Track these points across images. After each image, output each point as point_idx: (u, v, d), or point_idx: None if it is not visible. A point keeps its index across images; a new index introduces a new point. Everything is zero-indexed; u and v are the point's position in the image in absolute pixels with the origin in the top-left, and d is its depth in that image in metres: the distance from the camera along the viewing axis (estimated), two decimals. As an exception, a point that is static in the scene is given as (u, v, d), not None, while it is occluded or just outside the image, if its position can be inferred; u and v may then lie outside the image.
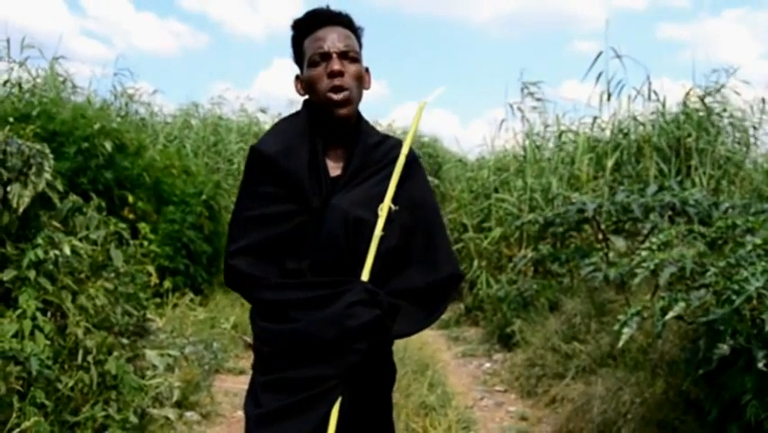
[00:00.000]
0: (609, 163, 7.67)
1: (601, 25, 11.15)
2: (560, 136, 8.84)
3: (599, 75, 7.98)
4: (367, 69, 1.78)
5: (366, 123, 1.80)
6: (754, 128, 8.22)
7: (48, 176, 3.32)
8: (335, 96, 1.67)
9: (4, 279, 3.03)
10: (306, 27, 1.73)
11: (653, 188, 5.65)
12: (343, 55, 1.70)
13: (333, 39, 1.69)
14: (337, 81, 1.67)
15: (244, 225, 1.70)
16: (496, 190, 8.48)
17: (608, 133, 8.30)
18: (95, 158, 6.24)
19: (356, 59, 1.73)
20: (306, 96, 1.76)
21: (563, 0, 18.50)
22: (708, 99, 7.96)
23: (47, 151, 3.41)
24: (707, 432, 3.16)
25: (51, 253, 3.22)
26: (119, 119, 8.76)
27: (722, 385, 3.02)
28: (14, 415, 2.69)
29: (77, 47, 19.84)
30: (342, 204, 1.65)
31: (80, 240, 3.67)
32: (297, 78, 1.78)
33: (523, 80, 8.68)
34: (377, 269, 1.61)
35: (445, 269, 1.74)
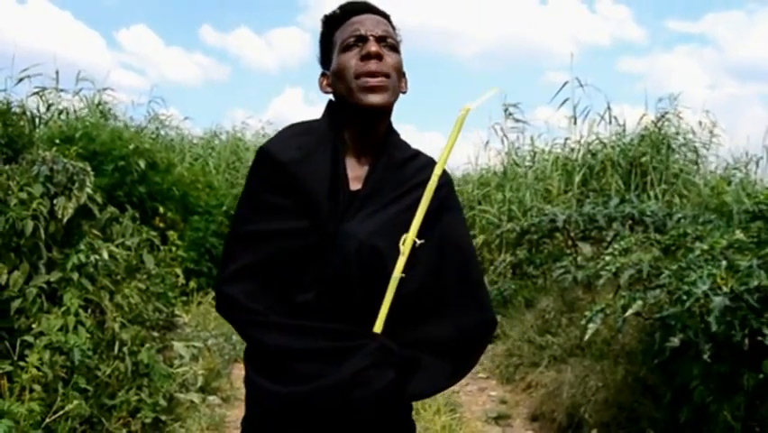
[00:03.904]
0: (577, 179, 7.72)
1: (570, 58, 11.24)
2: (534, 156, 8.88)
3: (564, 101, 8.21)
4: (404, 74, 1.30)
5: (397, 134, 1.31)
6: (706, 148, 8.29)
7: (89, 190, 3.33)
8: (369, 80, 1.19)
9: (51, 280, 3.03)
10: (338, 19, 1.29)
11: (615, 201, 5.68)
12: (382, 40, 1.23)
13: (370, 23, 1.24)
14: (373, 64, 1.20)
15: (246, 241, 1.23)
16: (479, 203, 8.49)
17: (575, 153, 8.36)
18: (130, 174, 6.25)
19: (396, 49, 1.26)
20: (331, 97, 1.29)
21: (538, 37, 18.59)
22: (661, 123, 8.05)
23: (88, 168, 3.42)
24: (661, 413, 3.17)
25: (92, 258, 3.22)
26: (151, 141, 8.78)
27: (674, 373, 3.03)
28: (59, 398, 2.69)
29: (116, 78, 19.98)
30: (359, 231, 1.17)
31: (117, 246, 3.67)
32: (323, 74, 1.31)
33: (504, 102, 8.75)
34: (393, 315, 1.16)
35: (478, 316, 1.27)
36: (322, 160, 1.22)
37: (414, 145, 1.35)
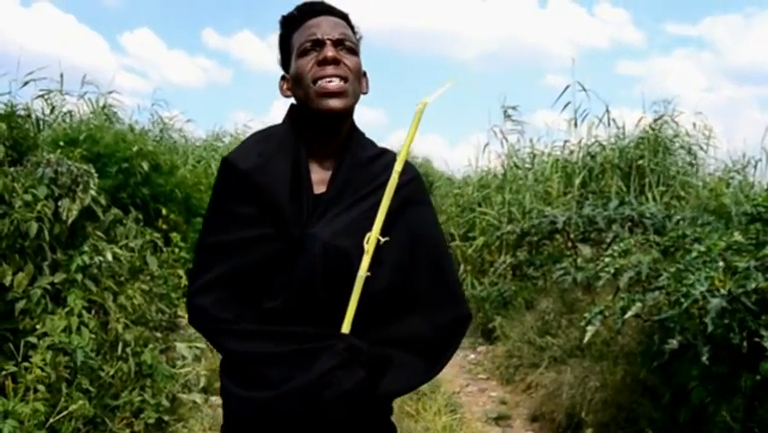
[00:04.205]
0: (577, 181, 7.71)
1: (570, 62, 11.24)
2: (534, 158, 8.87)
3: (566, 105, 8.21)
4: (365, 73, 1.28)
5: (361, 133, 1.30)
6: (703, 150, 8.29)
7: (93, 192, 3.33)
8: (328, 85, 1.17)
9: (56, 281, 3.03)
10: (295, 21, 1.26)
11: (614, 202, 5.67)
12: (339, 43, 1.21)
13: (327, 26, 1.22)
14: (331, 69, 1.18)
15: (213, 252, 1.22)
16: (479, 205, 8.49)
17: (575, 155, 8.36)
18: (133, 176, 6.24)
19: (354, 52, 1.24)
20: (292, 100, 1.27)
21: (537, 40, 18.64)
22: (658, 125, 8.05)
23: (92, 170, 3.43)
24: (660, 413, 3.17)
25: (96, 259, 3.22)
26: (155, 143, 8.78)
27: (673, 373, 3.03)
28: (63, 399, 2.69)
29: (119, 81, 20.12)
30: (323, 234, 1.16)
31: (120, 247, 3.68)
32: (283, 78, 1.29)
33: (503, 104, 8.75)
34: (362, 315, 1.15)
35: (451, 311, 1.25)
36: (283, 165, 1.20)
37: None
